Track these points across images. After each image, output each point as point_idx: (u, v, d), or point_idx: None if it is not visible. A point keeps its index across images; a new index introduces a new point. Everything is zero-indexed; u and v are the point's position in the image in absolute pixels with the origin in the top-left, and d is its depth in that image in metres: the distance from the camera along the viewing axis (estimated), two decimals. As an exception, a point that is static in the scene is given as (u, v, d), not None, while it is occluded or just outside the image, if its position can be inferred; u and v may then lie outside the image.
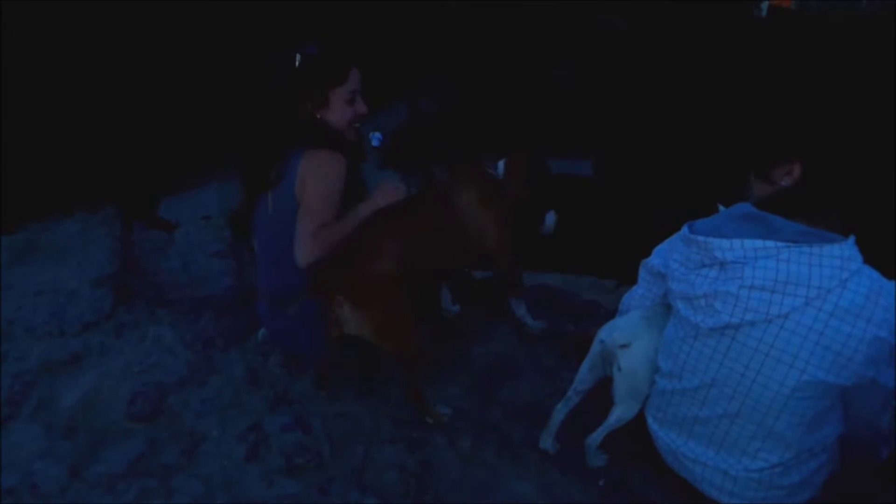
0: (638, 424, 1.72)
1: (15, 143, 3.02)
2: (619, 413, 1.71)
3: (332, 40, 1.91)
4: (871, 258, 1.34)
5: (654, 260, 1.70)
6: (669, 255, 1.61)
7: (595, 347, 1.76)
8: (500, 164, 2.22)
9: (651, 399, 1.68)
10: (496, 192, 2.19)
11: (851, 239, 1.35)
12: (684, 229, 1.55)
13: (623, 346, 1.68)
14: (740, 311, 1.38)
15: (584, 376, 1.79)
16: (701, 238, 1.46)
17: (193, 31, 3.63)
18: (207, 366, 2.19)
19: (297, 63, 1.88)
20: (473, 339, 2.35)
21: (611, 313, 2.05)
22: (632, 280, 1.89)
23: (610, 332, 1.73)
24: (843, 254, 1.32)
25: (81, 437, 1.90)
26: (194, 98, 3.76)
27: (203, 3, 3.69)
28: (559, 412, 1.82)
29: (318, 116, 1.93)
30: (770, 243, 1.36)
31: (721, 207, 2.00)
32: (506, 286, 2.40)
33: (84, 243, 2.77)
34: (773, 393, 1.37)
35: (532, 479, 1.79)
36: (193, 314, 2.43)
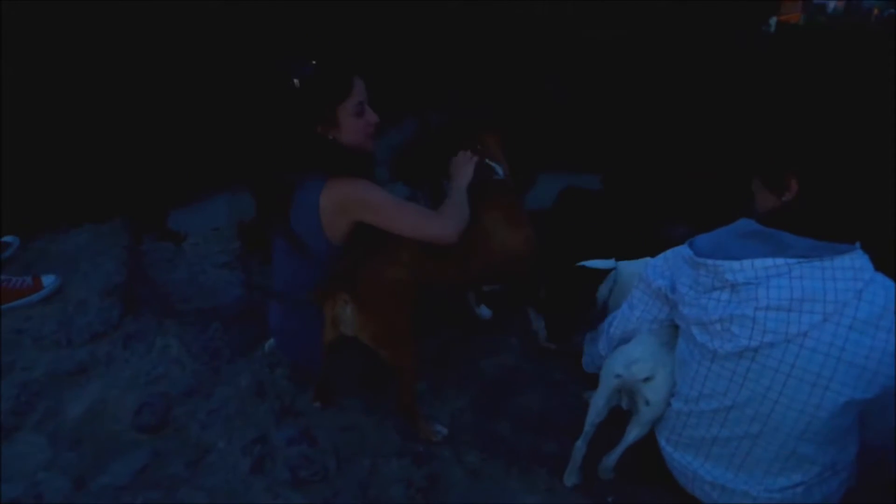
0: (649, 444, 1.69)
1: (23, 154, 3.04)
2: (638, 433, 1.67)
3: (327, 52, 1.84)
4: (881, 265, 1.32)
5: (658, 280, 1.60)
6: (676, 277, 1.55)
7: (610, 382, 1.67)
8: (497, 167, 2.19)
9: (664, 421, 1.63)
10: (517, 201, 2.17)
11: (859, 247, 1.32)
12: (686, 249, 1.50)
13: (647, 380, 1.60)
14: (758, 333, 1.33)
15: (601, 410, 1.71)
16: (710, 262, 1.41)
17: (205, 44, 3.66)
18: (214, 377, 2.19)
19: (296, 86, 1.78)
20: (481, 352, 2.34)
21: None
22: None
23: (627, 366, 1.63)
24: (854, 264, 1.29)
25: (87, 448, 1.90)
26: (205, 110, 3.78)
27: (213, 20, 3.72)
28: (579, 450, 1.76)
29: (331, 137, 1.85)
30: (781, 261, 1.32)
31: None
32: (524, 298, 2.34)
33: (93, 253, 2.78)
34: (797, 413, 1.32)
35: (540, 495, 1.77)
36: (201, 325, 2.42)
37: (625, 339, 1.72)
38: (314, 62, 1.80)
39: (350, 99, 1.81)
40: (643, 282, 1.66)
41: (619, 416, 1.73)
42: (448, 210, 1.91)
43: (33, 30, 3.09)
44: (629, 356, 1.65)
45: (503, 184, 2.20)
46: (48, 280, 2.51)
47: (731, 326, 1.38)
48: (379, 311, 1.81)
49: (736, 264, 1.37)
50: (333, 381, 2.06)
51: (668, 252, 1.61)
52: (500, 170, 2.16)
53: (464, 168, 2.07)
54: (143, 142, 3.53)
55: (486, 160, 2.17)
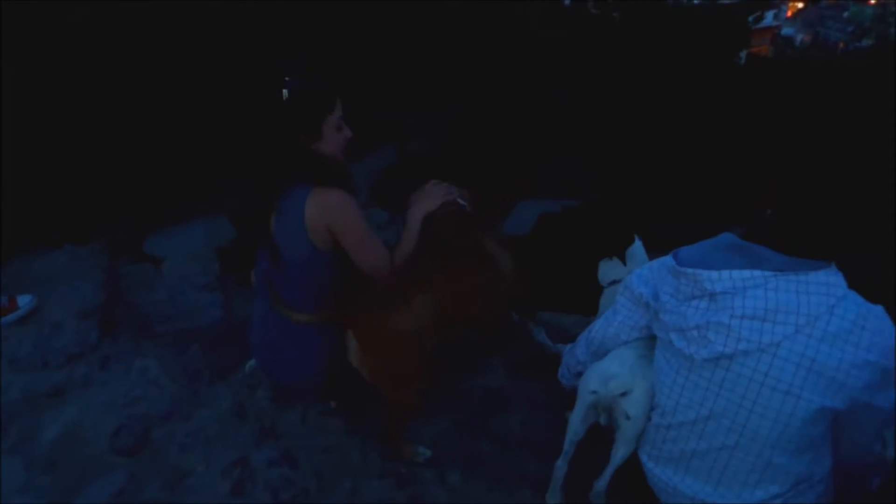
0: (632, 462, 1.70)
1: (4, 174, 3.01)
2: (624, 452, 1.66)
3: (314, 68, 1.93)
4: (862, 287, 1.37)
5: (641, 288, 1.66)
6: (659, 286, 1.61)
7: (586, 398, 1.69)
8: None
9: (645, 436, 1.64)
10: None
11: (833, 265, 1.38)
12: (669, 260, 1.56)
13: (624, 395, 1.61)
14: (733, 340, 1.39)
15: (578, 427, 1.72)
16: (690, 270, 1.47)
17: (182, 73, 3.68)
18: (193, 399, 2.16)
19: (284, 97, 1.90)
20: (463, 373, 2.34)
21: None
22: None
23: (604, 382, 1.65)
24: (828, 280, 1.35)
25: (62, 471, 1.86)
26: (185, 137, 3.79)
27: (197, 48, 3.75)
28: (560, 469, 1.77)
29: (312, 148, 1.94)
30: (758, 273, 1.38)
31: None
32: (526, 314, 2.43)
33: (71, 275, 2.74)
34: (771, 422, 1.36)
35: (523, 515, 1.77)
36: (180, 346, 2.40)
37: (602, 350, 1.76)
38: (304, 79, 1.93)
39: (334, 113, 1.94)
40: (627, 289, 1.72)
41: (605, 436, 1.74)
42: (400, 252, 1.98)
43: (17, 51, 3.09)
44: (605, 372, 1.66)
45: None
46: (24, 300, 2.47)
47: (707, 333, 1.43)
48: (380, 353, 1.83)
49: (714, 274, 1.42)
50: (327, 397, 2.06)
51: (654, 262, 1.68)
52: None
53: (430, 197, 2.09)
54: (125, 164, 3.52)
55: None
